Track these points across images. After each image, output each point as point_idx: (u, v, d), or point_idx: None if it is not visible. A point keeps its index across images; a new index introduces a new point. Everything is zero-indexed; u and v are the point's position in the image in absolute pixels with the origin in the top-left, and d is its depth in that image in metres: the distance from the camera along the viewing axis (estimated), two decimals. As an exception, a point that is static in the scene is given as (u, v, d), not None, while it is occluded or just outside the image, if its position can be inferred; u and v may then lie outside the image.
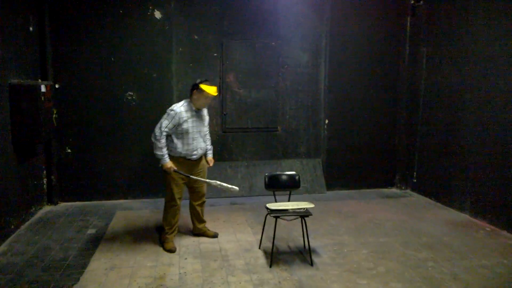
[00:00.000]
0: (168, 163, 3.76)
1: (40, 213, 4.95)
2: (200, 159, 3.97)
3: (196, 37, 5.52)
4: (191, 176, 3.86)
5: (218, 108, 5.70)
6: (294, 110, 5.94)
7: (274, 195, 3.97)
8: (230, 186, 3.87)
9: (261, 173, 5.66)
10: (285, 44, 5.77)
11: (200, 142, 3.88)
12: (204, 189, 4.10)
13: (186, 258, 3.74)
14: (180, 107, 3.76)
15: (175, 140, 3.79)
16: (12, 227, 4.23)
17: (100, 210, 5.09)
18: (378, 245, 4.09)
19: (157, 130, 3.73)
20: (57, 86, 5.13)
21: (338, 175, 6.13)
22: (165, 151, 3.75)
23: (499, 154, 4.55)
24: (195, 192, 4.06)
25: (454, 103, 5.24)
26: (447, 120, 5.38)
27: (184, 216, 4.45)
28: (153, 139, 3.75)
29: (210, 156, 4.10)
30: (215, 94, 3.80)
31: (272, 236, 3.75)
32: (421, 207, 5.41)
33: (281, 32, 5.73)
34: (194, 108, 3.80)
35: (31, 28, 4.76)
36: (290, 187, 4.00)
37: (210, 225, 4.56)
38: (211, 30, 5.54)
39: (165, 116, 3.76)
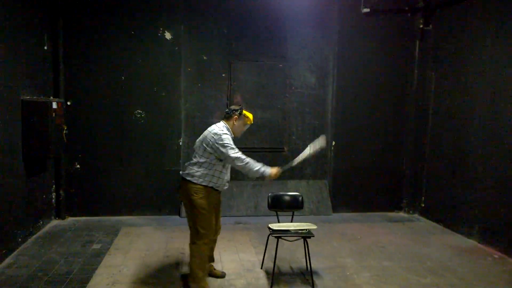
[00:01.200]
0: (273, 169, 3.33)
1: (47, 227, 5.04)
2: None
3: (204, 57, 5.68)
4: (290, 165, 3.50)
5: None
6: (300, 131, 5.99)
7: (277, 215, 3.98)
8: (317, 144, 3.56)
9: (266, 193, 5.59)
10: (293, 65, 5.88)
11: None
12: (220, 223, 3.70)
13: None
14: (228, 132, 3.34)
15: (220, 168, 3.31)
16: (19, 240, 4.31)
17: (106, 225, 5.15)
18: (380, 269, 4.04)
19: (236, 154, 3.22)
20: (68, 103, 5.29)
21: (345, 197, 6.10)
22: (256, 163, 3.30)
23: (508, 179, 4.50)
24: (216, 223, 3.56)
25: (462, 128, 5.23)
26: (455, 145, 5.35)
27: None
28: (238, 164, 3.23)
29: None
30: (253, 121, 3.55)
31: (272, 256, 3.74)
32: (427, 232, 5.33)
33: (288, 53, 5.85)
34: (232, 136, 3.41)
35: (45, 47, 4.96)
36: (293, 207, 3.99)
37: (213, 244, 4.58)
38: (219, 51, 5.69)
39: (225, 140, 3.23)
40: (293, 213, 3.99)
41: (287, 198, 4.03)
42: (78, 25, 5.28)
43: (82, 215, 5.44)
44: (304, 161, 3.62)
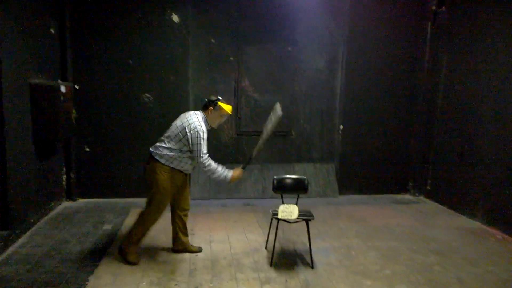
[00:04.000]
0: (233, 171, 3.53)
1: (59, 208, 5.16)
2: None
3: (212, 40, 5.66)
4: (259, 143, 3.67)
5: (233, 111, 5.79)
6: (308, 115, 6.01)
7: (282, 198, 4.01)
8: (275, 114, 3.65)
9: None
10: (302, 49, 5.84)
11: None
12: (189, 199, 3.89)
13: (196, 255, 3.84)
14: (203, 125, 3.46)
15: (186, 156, 3.47)
16: (32, 220, 4.43)
17: (116, 207, 5.26)
18: (386, 249, 4.10)
19: (203, 160, 3.40)
20: (76, 87, 5.34)
21: (352, 180, 6.15)
22: (220, 168, 3.48)
23: (513, 162, 4.51)
24: (183, 201, 3.75)
25: (471, 112, 5.20)
26: (463, 129, 5.34)
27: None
28: (204, 167, 3.43)
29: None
30: (230, 112, 3.60)
31: (279, 237, 3.81)
32: (433, 213, 5.38)
33: (297, 37, 5.80)
34: (208, 127, 3.55)
35: (52, 31, 4.98)
36: (298, 190, 4.00)
37: (221, 225, 4.69)
38: (228, 34, 5.67)
39: (199, 141, 3.38)
40: (298, 195, 4.01)
41: (291, 181, 4.02)
42: (85, 9, 5.28)
43: (93, 197, 5.56)
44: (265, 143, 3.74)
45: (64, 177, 5.39)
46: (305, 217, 3.65)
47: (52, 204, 5.02)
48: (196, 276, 3.42)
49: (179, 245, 3.86)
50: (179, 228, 3.82)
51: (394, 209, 5.52)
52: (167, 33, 5.49)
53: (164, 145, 3.49)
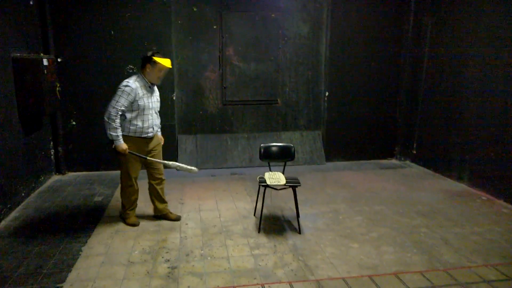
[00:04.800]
0: (123, 144, 3.52)
1: (49, 182, 5.16)
2: (153, 136, 3.77)
3: (195, 9, 5.52)
4: (148, 158, 3.69)
5: (218, 81, 5.76)
6: (294, 83, 5.98)
7: (269, 165, 4.07)
8: (189, 167, 3.76)
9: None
10: (286, 15, 5.74)
11: (155, 119, 3.70)
12: (162, 167, 3.91)
13: (187, 224, 3.92)
14: (135, 83, 3.49)
15: (130, 118, 3.53)
16: (23, 194, 4.44)
17: (105, 179, 5.28)
18: (372, 212, 4.22)
19: (111, 110, 3.43)
20: (59, 59, 5.21)
21: (338, 147, 6.22)
22: (119, 132, 3.49)
23: (499, 126, 4.59)
24: (152, 170, 3.84)
25: (456, 76, 5.23)
26: (448, 92, 5.38)
27: (185, 183, 4.59)
28: (106, 119, 3.45)
29: (159, 133, 3.88)
30: (170, 66, 3.56)
31: (268, 204, 3.89)
32: (419, 177, 5.51)
33: (281, 3, 5.69)
34: (148, 84, 3.57)
35: (31, 2, 4.79)
36: (284, 158, 4.05)
37: (210, 194, 4.75)
38: (210, 2, 5.53)
39: (119, 93, 3.44)
40: (285, 163, 4.07)
41: (278, 148, 4.05)
42: (62, -23, 5.07)
43: (82, 170, 5.56)
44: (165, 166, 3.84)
45: (52, 151, 5.35)
46: (292, 184, 3.71)
47: (42, 178, 5.02)
48: (187, 244, 3.51)
49: (157, 212, 4.01)
50: (154, 196, 3.94)
51: (381, 174, 5.64)
52: (148, 3, 5.32)
53: None
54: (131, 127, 3.57)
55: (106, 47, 5.32)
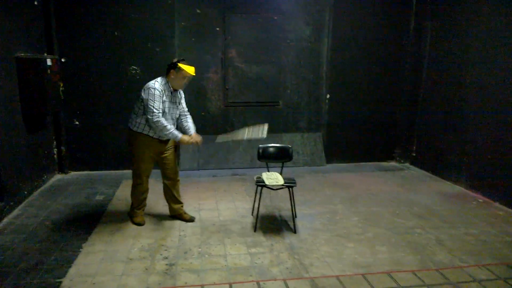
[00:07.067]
0: (183, 136, 3.57)
1: (51, 181, 5.25)
2: (168, 139, 3.76)
3: (198, 11, 5.60)
4: (218, 136, 3.76)
5: (221, 82, 5.84)
6: (295, 85, 6.04)
7: (267, 166, 4.13)
8: (260, 127, 3.68)
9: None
10: (288, 18, 5.81)
11: (172, 124, 3.67)
12: (176, 167, 3.94)
13: (186, 223, 3.98)
14: (160, 86, 3.51)
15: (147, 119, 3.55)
16: (26, 192, 4.53)
17: (107, 179, 5.36)
18: (369, 213, 4.27)
19: (153, 115, 3.44)
20: (63, 60, 5.30)
21: (339, 149, 6.27)
22: (171, 127, 3.52)
23: (497, 129, 4.63)
24: (165, 170, 3.87)
25: (456, 79, 5.27)
26: (448, 96, 5.42)
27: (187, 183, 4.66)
28: (154, 124, 3.47)
29: (193, 131, 3.79)
30: (193, 74, 3.61)
31: (267, 204, 3.95)
32: (417, 180, 5.55)
33: (283, 6, 5.76)
34: (171, 89, 3.61)
35: (35, 2, 4.89)
36: (282, 158, 4.09)
37: (211, 194, 4.82)
38: (214, 4, 5.60)
39: (150, 97, 3.45)
40: (282, 164, 4.12)
41: (276, 149, 4.10)
42: (67, -21, 5.17)
43: (84, 170, 5.65)
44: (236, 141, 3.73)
45: (55, 150, 5.45)
46: (288, 184, 3.77)
47: (45, 176, 5.11)
48: (186, 242, 3.57)
49: (172, 212, 4.06)
50: (168, 196, 3.99)
51: (380, 176, 5.68)
52: (152, 4, 5.41)
53: (133, 112, 3.67)
54: (147, 127, 3.61)
55: (109, 48, 5.41)
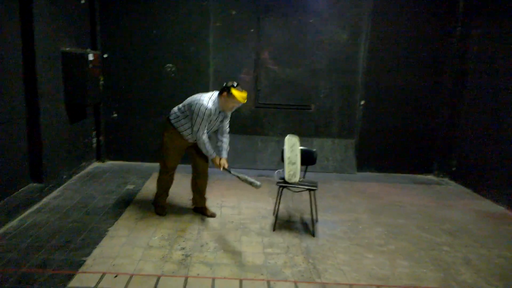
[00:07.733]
0: (218, 158, 3.72)
1: (89, 168, 5.58)
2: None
3: (233, 12, 5.69)
4: (232, 172, 3.69)
5: (252, 83, 5.89)
6: (328, 89, 5.95)
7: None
8: (253, 180, 3.63)
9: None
10: (324, 21, 5.74)
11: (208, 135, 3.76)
12: (206, 163, 3.98)
13: (207, 218, 4.07)
14: (211, 106, 3.55)
15: (187, 122, 3.71)
16: (64, 177, 4.85)
17: (139, 169, 5.60)
18: (394, 225, 4.12)
19: (199, 133, 3.58)
20: (105, 56, 5.61)
21: (371, 157, 6.09)
22: (209, 146, 3.67)
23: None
24: (195, 164, 3.98)
25: (502, 90, 4.96)
26: (493, 108, 5.11)
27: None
28: (196, 138, 3.65)
29: (225, 155, 3.81)
30: (245, 101, 3.59)
31: (289, 207, 3.93)
32: (454, 195, 5.26)
33: (319, 9, 5.69)
34: (219, 109, 3.65)
35: (82, 1, 5.22)
36: (306, 162, 4.03)
37: (234, 192, 4.87)
38: (248, 6, 5.67)
39: (200, 115, 3.52)
40: (306, 167, 4.06)
41: (300, 152, 3.99)
42: (114, -20, 5.47)
43: (119, 160, 5.93)
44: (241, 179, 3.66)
45: (95, 139, 5.77)
46: (309, 187, 3.73)
47: (83, 163, 5.43)
48: (203, 235, 3.65)
49: (195, 204, 4.18)
50: (194, 189, 4.10)
51: (412, 189, 5.45)
52: (189, 6, 5.58)
53: (179, 109, 3.82)
54: (182, 127, 3.74)
55: (148, 45, 5.66)
